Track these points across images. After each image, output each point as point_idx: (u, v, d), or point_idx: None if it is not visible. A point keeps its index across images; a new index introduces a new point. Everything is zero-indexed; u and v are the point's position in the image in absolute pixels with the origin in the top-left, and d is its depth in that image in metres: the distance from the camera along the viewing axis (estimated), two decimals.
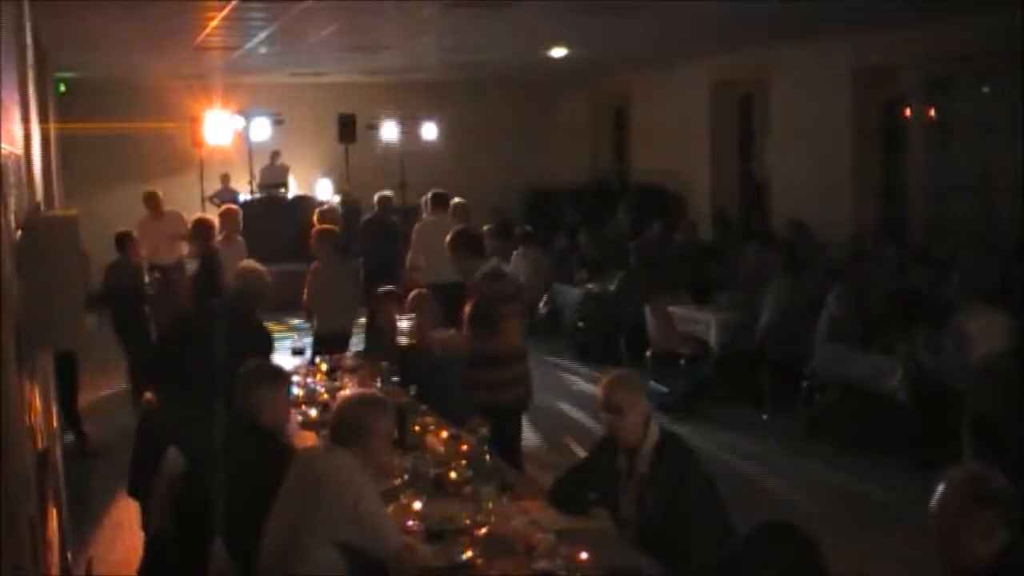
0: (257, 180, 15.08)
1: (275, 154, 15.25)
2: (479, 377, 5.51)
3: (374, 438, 3.47)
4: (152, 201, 10.65)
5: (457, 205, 9.43)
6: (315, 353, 7.26)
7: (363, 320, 10.08)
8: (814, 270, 8.92)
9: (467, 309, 5.61)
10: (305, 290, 8.18)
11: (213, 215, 11.23)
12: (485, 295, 5.53)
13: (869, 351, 7.38)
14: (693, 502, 3.69)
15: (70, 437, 7.72)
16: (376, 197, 11.15)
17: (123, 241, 8.75)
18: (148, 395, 5.31)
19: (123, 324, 8.57)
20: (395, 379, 5.71)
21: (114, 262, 8.69)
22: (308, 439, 4.85)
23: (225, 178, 14.99)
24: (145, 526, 5.21)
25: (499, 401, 5.42)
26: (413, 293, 6.33)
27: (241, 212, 9.79)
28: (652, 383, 9.11)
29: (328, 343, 7.41)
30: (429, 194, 9.78)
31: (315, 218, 9.57)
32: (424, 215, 9.92)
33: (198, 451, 4.39)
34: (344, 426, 3.51)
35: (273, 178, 15.16)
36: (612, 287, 10.58)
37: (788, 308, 8.29)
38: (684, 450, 3.87)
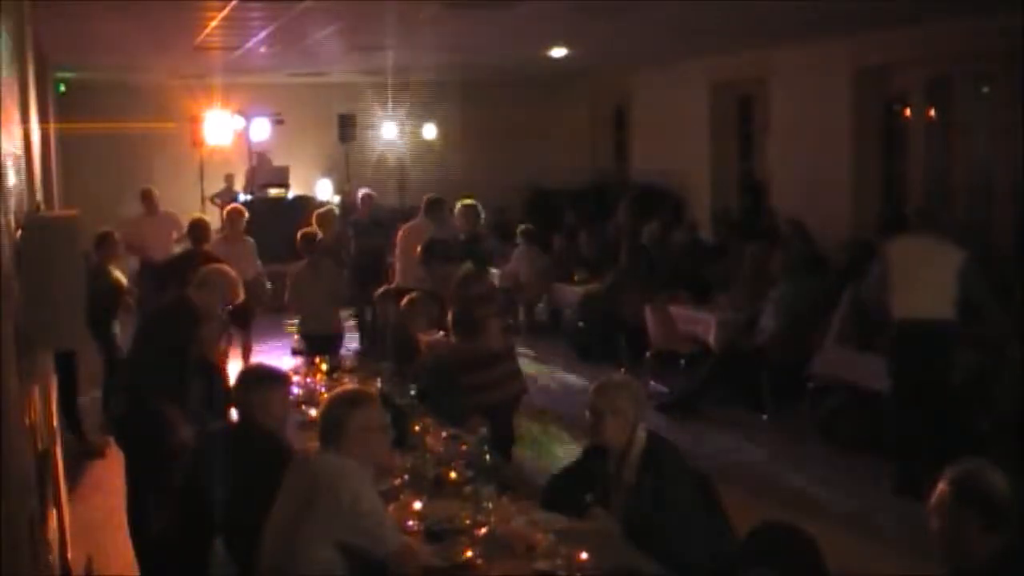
0: (246, 181, 15.05)
1: (261, 155, 15.22)
2: (467, 380, 5.56)
3: (352, 433, 3.43)
4: (148, 199, 10.66)
5: (464, 207, 9.38)
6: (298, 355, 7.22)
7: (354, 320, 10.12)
8: (821, 271, 8.90)
9: (449, 315, 5.70)
10: (287, 291, 8.30)
11: (214, 215, 11.28)
12: (462, 299, 5.62)
13: (869, 351, 7.39)
14: (680, 509, 3.69)
15: (70, 437, 7.71)
16: (360, 195, 11.17)
17: (103, 242, 8.67)
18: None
19: (98, 326, 8.50)
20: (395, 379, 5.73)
21: (95, 262, 8.58)
22: (308, 439, 4.84)
23: (229, 178, 14.98)
24: (134, 525, 5.23)
25: (487, 402, 5.46)
26: (407, 298, 6.36)
27: (245, 212, 9.81)
28: (652, 383, 9.11)
29: (313, 344, 7.35)
30: (424, 198, 9.77)
31: (313, 220, 9.60)
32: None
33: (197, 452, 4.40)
34: (322, 426, 3.51)
35: (271, 178, 15.14)
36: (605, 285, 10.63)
37: (795, 311, 8.30)
38: (671, 457, 3.86)
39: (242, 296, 5.80)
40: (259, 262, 9.53)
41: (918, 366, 6.51)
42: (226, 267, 5.96)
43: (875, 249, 8.31)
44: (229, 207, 10.08)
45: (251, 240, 9.59)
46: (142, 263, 10.40)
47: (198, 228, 8.88)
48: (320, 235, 8.93)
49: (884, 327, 6.89)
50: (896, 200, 10.58)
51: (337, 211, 10.78)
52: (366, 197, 11.17)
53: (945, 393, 6.51)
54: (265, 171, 15.11)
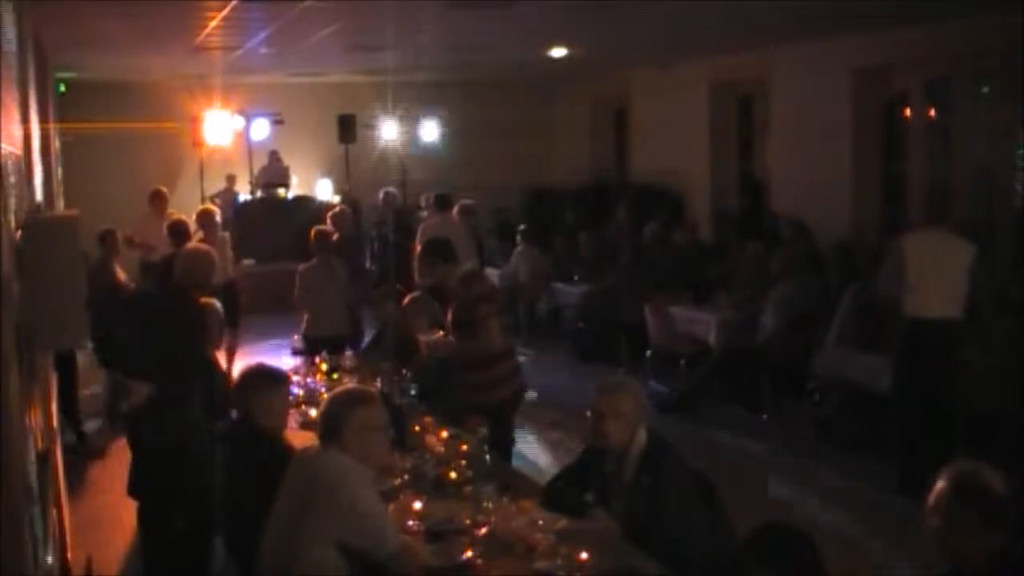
0: (256, 180, 15.09)
1: (273, 153, 15.26)
2: (466, 379, 5.57)
3: (352, 432, 3.43)
4: (157, 200, 10.68)
5: (463, 206, 9.40)
6: (305, 356, 7.09)
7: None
8: (821, 271, 8.90)
9: (449, 314, 5.71)
10: (296, 290, 8.23)
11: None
12: (463, 298, 5.64)
13: (870, 351, 7.39)
14: (680, 509, 3.69)
15: (70, 437, 7.72)
16: (381, 194, 11.19)
17: (105, 239, 8.67)
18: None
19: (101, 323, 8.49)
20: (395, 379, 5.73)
21: (97, 259, 8.59)
22: (307, 439, 4.84)
23: (230, 179, 15.00)
24: (142, 526, 5.23)
25: (487, 402, 5.47)
26: (407, 298, 6.36)
27: (218, 212, 9.82)
28: (652, 383, 9.11)
29: (317, 346, 7.20)
30: (432, 195, 9.77)
31: (328, 219, 9.60)
32: (425, 215, 9.93)
33: (195, 451, 4.40)
34: (322, 425, 3.51)
35: (274, 178, 15.16)
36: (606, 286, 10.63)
37: (795, 311, 8.29)
38: (671, 457, 3.86)
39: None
40: (237, 260, 9.49)
41: (925, 366, 6.50)
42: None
43: (876, 249, 8.34)
44: (199, 209, 10.06)
45: (225, 236, 9.58)
46: (143, 264, 10.41)
47: (178, 229, 8.81)
48: (335, 234, 8.91)
49: (889, 326, 6.88)
50: (896, 200, 10.58)
51: (350, 211, 10.80)
52: (388, 196, 11.16)
53: (947, 393, 6.51)
54: (274, 171, 15.15)
